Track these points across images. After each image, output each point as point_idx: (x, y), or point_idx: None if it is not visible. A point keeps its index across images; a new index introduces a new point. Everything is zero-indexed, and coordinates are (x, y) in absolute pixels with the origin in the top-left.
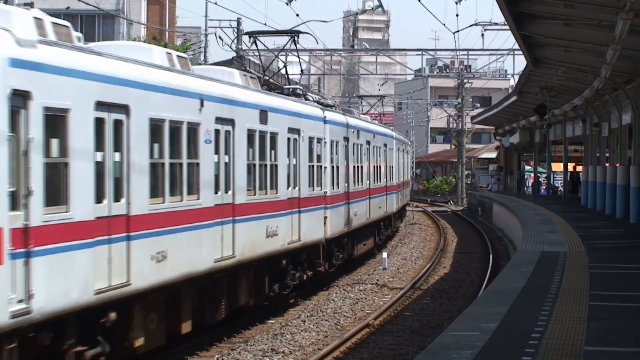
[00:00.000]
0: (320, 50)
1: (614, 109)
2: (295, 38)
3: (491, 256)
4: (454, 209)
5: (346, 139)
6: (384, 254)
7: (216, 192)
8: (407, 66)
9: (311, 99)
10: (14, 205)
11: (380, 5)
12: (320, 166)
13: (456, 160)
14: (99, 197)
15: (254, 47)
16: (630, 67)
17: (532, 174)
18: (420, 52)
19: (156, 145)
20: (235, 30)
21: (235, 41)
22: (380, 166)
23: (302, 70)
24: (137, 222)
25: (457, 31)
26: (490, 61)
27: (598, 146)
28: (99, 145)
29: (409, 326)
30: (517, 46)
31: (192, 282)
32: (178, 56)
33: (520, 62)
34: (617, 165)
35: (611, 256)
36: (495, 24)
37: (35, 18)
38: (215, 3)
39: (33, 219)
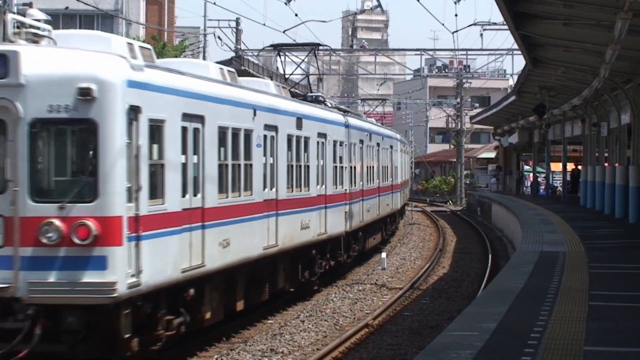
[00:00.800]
0: (319, 50)
1: (613, 108)
2: (315, 51)
3: (490, 256)
4: (453, 209)
5: (361, 141)
6: (383, 254)
7: (264, 189)
8: (406, 66)
9: (330, 104)
10: (129, 198)
11: (379, 5)
12: (342, 166)
13: (455, 160)
14: (184, 193)
15: (254, 47)
16: (630, 67)
17: (531, 174)
18: (419, 52)
19: (222, 149)
20: (234, 30)
21: (234, 41)
22: (387, 166)
23: (320, 79)
24: (209, 214)
25: (456, 31)
26: (489, 61)
27: (597, 146)
28: (183, 150)
29: (408, 326)
30: (516, 46)
31: (245, 267)
32: (228, 70)
33: (519, 62)
34: (616, 165)
35: (610, 256)
36: (494, 23)
37: (128, 43)
38: (214, 3)
39: (141, 210)
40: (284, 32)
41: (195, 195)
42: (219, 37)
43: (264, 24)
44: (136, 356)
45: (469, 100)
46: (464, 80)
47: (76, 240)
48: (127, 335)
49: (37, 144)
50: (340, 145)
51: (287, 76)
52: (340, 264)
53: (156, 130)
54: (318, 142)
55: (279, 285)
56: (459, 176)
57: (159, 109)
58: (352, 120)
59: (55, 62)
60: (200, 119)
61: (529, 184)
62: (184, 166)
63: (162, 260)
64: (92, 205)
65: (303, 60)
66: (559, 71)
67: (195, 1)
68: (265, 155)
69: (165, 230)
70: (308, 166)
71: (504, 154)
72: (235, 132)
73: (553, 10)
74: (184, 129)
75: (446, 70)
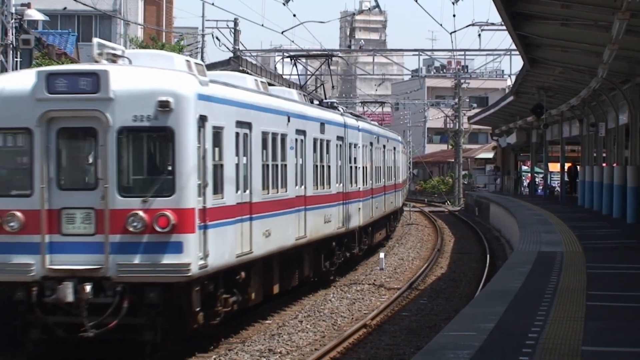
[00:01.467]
0: (317, 51)
1: (611, 109)
2: (329, 60)
3: (488, 256)
4: (451, 209)
5: (371, 143)
6: (381, 254)
7: (295, 187)
8: (404, 66)
9: (341, 110)
10: (198, 193)
11: (377, 6)
12: (356, 167)
13: (453, 160)
14: (237, 189)
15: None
16: (627, 67)
17: (529, 174)
18: (417, 53)
19: (264, 151)
20: (232, 30)
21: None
22: (391, 166)
23: (333, 87)
24: (255, 208)
25: (454, 31)
26: (487, 61)
27: (595, 146)
28: (237, 152)
29: (406, 326)
30: (514, 46)
31: (280, 255)
32: (261, 82)
33: (517, 63)
34: (614, 165)
35: (608, 256)
36: (492, 24)
37: (186, 60)
38: (212, 4)
39: (208, 203)
40: (282, 33)
41: (245, 191)
42: (217, 38)
43: (262, 25)
44: (201, 328)
45: (467, 100)
46: (462, 81)
47: (157, 229)
48: (197, 309)
49: (123, 148)
50: (355, 147)
51: (301, 85)
52: (353, 256)
53: (217, 135)
54: (337, 145)
55: (305, 273)
56: (457, 176)
57: (219, 118)
58: (363, 124)
59: (137, 79)
60: (249, 125)
61: (526, 184)
62: (237, 166)
63: (222, 246)
64: (170, 199)
65: (317, 70)
66: (556, 71)
67: (193, 2)
68: (296, 156)
69: (224, 220)
70: (329, 166)
71: (502, 154)
72: (274, 137)
73: (551, 11)
74: (237, 134)
75: (444, 70)
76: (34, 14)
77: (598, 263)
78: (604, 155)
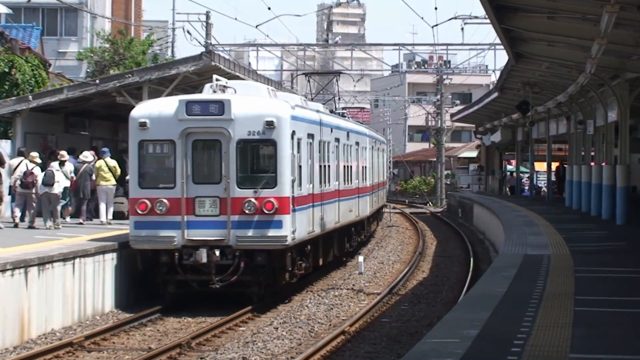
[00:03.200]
0: (293, 45)
1: (600, 105)
2: (337, 78)
3: (472, 260)
4: (433, 211)
5: (372, 147)
6: (360, 258)
7: (335, 182)
8: (384, 62)
9: (347, 115)
10: (291, 186)
11: None
12: (365, 166)
13: (435, 159)
14: (307, 183)
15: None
16: (616, 62)
17: (512, 174)
18: (397, 47)
19: (319, 155)
20: (204, 24)
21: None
22: (381, 165)
23: (339, 98)
24: (316, 198)
25: (436, 25)
26: (471, 56)
27: (583, 144)
28: (307, 156)
29: (386, 333)
30: (498, 40)
31: (325, 235)
32: (271, 90)
33: (502, 57)
34: (603, 164)
35: (597, 259)
36: (476, 17)
37: (268, 89)
38: None
39: (295, 193)
40: (256, 27)
41: (310, 185)
42: (188, 32)
43: (236, 19)
44: (287, 284)
45: (450, 97)
46: (444, 77)
47: (265, 211)
48: (289, 269)
49: (240, 154)
50: (364, 149)
51: (312, 97)
52: (362, 240)
53: (299, 144)
54: (355, 149)
55: (335, 252)
56: (439, 176)
57: (300, 132)
58: (370, 131)
59: (250, 105)
60: (312, 136)
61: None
62: (307, 166)
63: (301, 225)
64: (273, 190)
65: (324, 87)
66: (543, 67)
67: None
68: (336, 158)
69: (302, 206)
70: (351, 166)
71: (486, 153)
72: (325, 144)
73: (537, 3)
74: (307, 143)
75: (426, 66)
76: None
77: (586, 266)
78: (592, 154)
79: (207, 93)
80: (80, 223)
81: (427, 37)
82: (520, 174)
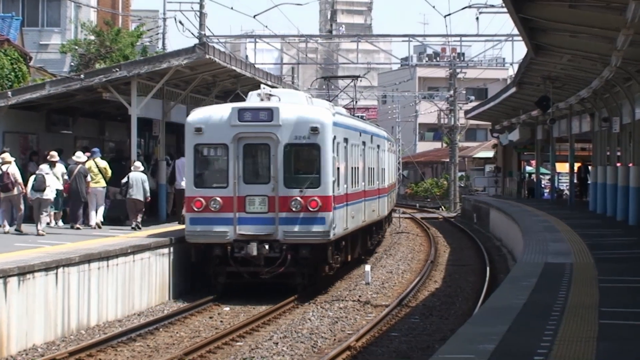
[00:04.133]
0: (294, 37)
1: (626, 101)
2: (355, 82)
3: (488, 269)
4: (445, 216)
5: (389, 148)
6: (367, 267)
7: (362, 183)
8: (392, 54)
9: (364, 117)
10: (333, 186)
11: None
12: (383, 168)
13: (448, 160)
14: (344, 183)
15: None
16: None
17: (531, 175)
18: (407, 39)
19: (351, 158)
20: (198, 14)
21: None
22: (391, 166)
23: (355, 102)
24: (349, 197)
25: (449, 14)
26: (486, 48)
27: (608, 144)
28: (343, 158)
29: (395, 348)
30: (516, 31)
31: (353, 233)
32: (308, 96)
33: (520, 49)
34: (630, 165)
35: (623, 268)
36: (492, 6)
37: (306, 96)
38: None
39: (335, 192)
40: (254, 17)
41: (345, 185)
42: (180, 22)
43: (232, 8)
44: (326, 275)
45: (464, 92)
46: (458, 70)
47: (309, 209)
48: (329, 262)
49: (287, 156)
50: (383, 151)
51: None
52: (380, 239)
53: (337, 147)
54: (376, 151)
55: (359, 248)
56: (453, 178)
57: (338, 136)
58: (386, 134)
59: (296, 112)
60: (346, 140)
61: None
62: (343, 168)
63: (339, 222)
64: (317, 189)
65: (343, 90)
66: (564, 59)
67: None
68: (363, 160)
69: (341, 204)
70: (373, 168)
71: (503, 153)
72: (355, 147)
73: None
74: (343, 147)
75: (437, 58)
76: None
77: (612, 276)
78: (618, 154)
79: (254, 100)
80: (78, 228)
81: (439, 28)
82: (540, 176)
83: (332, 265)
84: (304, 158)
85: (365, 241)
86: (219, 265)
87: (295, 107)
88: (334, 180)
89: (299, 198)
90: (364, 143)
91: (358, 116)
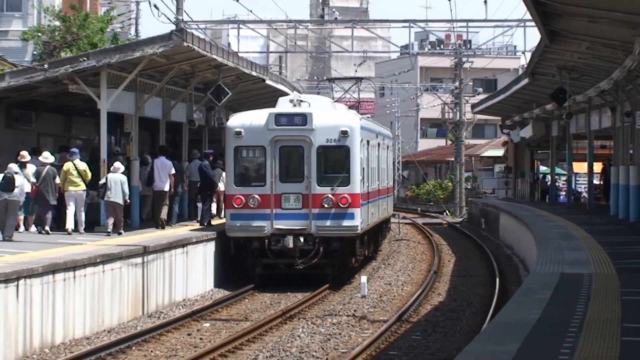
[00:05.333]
0: (281, 22)
1: None
2: (359, 83)
3: (497, 280)
4: (450, 221)
5: (388, 146)
6: (363, 278)
7: (377, 182)
8: (391, 42)
9: (369, 116)
10: (361, 185)
11: None
12: (389, 168)
13: (453, 159)
14: (367, 182)
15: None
16: None
17: (545, 176)
18: (407, 24)
19: (370, 159)
20: None
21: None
22: (389, 165)
23: (359, 103)
24: (370, 195)
25: None
26: (496, 35)
27: (631, 141)
28: (366, 159)
29: None
30: (528, 16)
31: (369, 229)
32: (332, 102)
33: (533, 36)
34: None
35: None
36: None
37: (330, 100)
38: None
39: (362, 190)
40: (237, 0)
41: (366, 183)
42: (155, 6)
43: None
44: (352, 266)
45: (471, 84)
46: (464, 59)
47: (340, 205)
48: (356, 254)
49: (320, 158)
50: (389, 151)
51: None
52: (384, 236)
53: (361, 148)
54: (385, 151)
55: (372, 244)
56: (458, 180)
57: (364, 139)
58: (390, 133)
59: (327, 117)
60: (368, 142)
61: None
62: (367, 168)
63: (365, 217)
64: (347, 187)
65: (347, 91)
66: (582, 47)
67: None
68: (378, 161)
69: (366, 201)
70: (384, 168)
71: (514, 151)
72: (373, 148)
73: None
74: (366, 148)
75: (441, 46)
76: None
77: (636, 288)
78: None
79: (285, 105)
80: (47, 232)
81: (443, 13)
82: (556, 177)
83: (358, 257)
84: (334, 159)
85: (377, 238)
86: (257, 258)
87: (327, 113)
88: (361, 179)
89: (330, 195)
90: (378, 145)
91: (364, 115)
